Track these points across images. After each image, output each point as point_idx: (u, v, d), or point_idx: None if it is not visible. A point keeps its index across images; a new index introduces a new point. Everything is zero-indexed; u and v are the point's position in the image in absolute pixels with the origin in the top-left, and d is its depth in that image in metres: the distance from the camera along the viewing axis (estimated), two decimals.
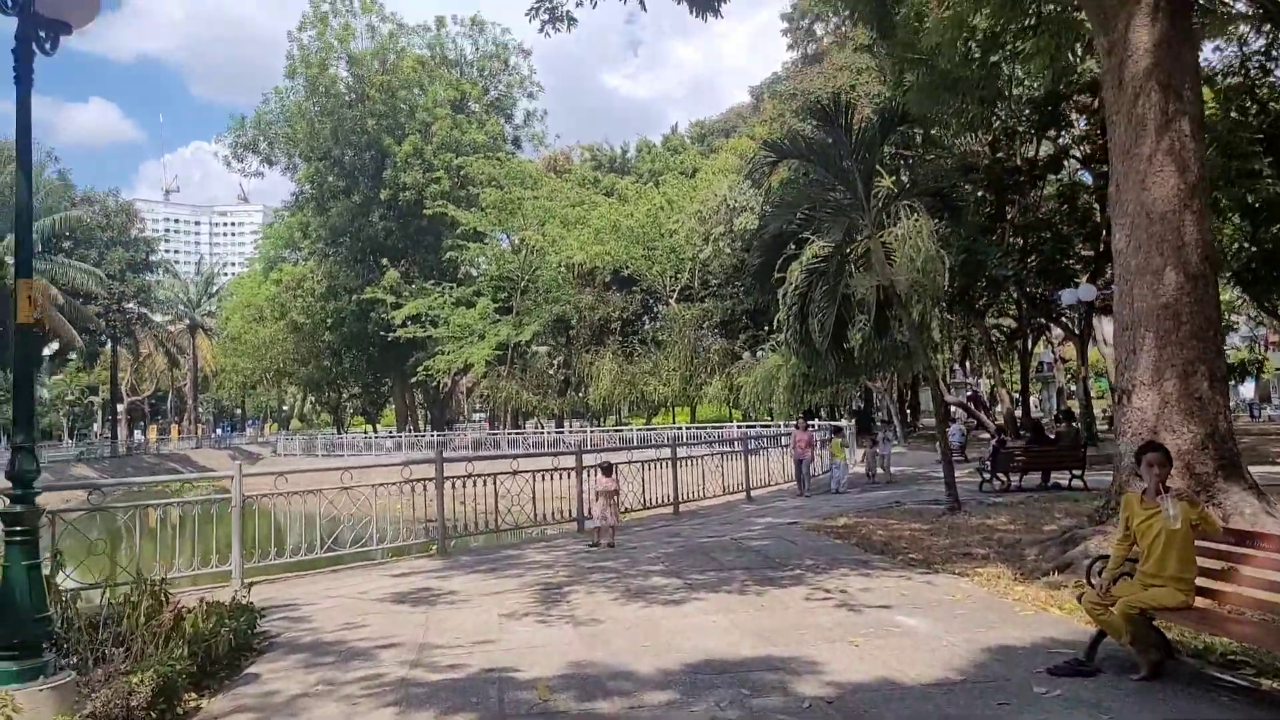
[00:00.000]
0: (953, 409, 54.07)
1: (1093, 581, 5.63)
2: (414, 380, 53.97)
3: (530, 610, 8.07)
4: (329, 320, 55.44)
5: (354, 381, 66.65)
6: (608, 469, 13.14)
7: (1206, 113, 21.99)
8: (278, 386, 79.39)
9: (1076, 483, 17.40)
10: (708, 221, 40.22)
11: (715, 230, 39.87)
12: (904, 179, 26.44)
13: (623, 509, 15.64)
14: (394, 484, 12.44)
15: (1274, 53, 23.06)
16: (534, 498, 13.98)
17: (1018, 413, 41.39)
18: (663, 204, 45.22)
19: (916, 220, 15.31)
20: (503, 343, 47.64)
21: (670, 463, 16.89)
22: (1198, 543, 5.30)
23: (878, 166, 15.51)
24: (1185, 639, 5.82)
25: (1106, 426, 43.07)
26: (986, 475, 17.71)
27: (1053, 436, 18.40)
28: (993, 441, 17.83)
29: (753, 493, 19.18)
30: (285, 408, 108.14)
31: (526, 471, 14.05)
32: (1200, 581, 5.34)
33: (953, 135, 34.24)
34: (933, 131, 24.40)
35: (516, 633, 7.19)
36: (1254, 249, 27.56)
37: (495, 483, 13.58)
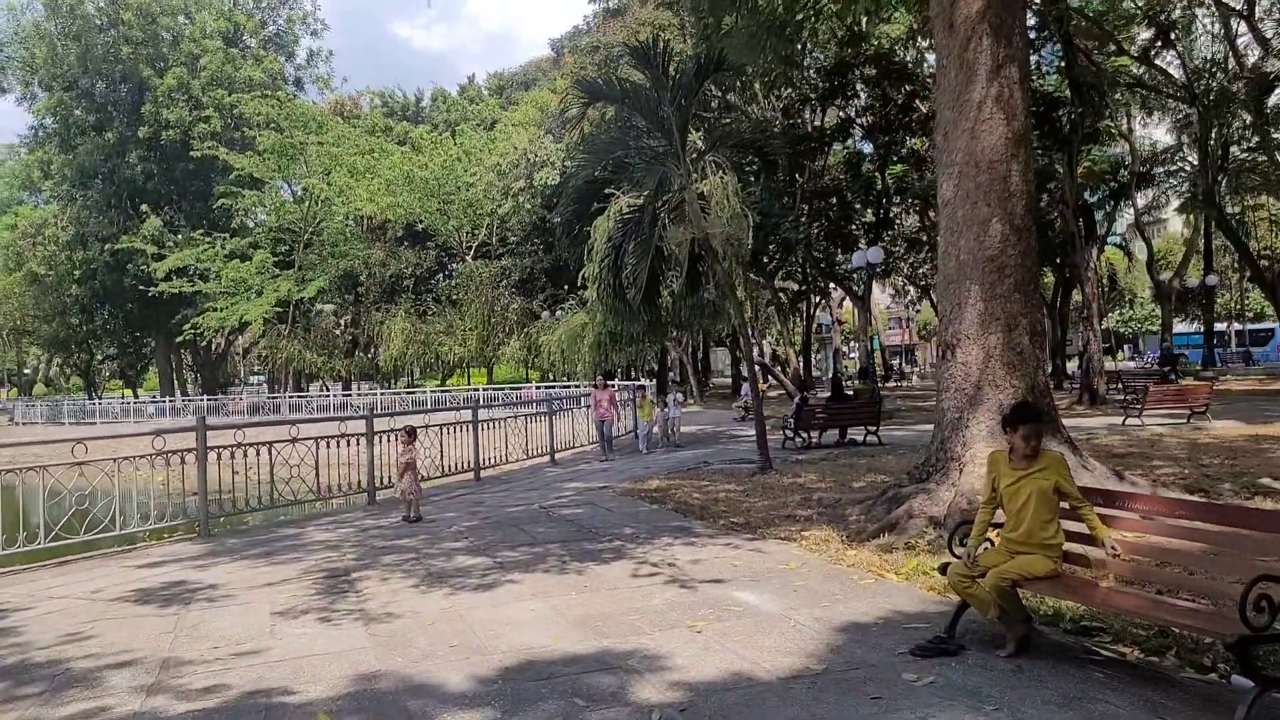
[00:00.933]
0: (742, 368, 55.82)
1: (956, 552, 5.15)
2: (180, 340, 48.97)
3: (311, 605, 6.81)
4: (76, 272, 49.15)
5: (108, 341, 59.91)
6: (411, 433, 11.88)
7: None
8: (16, 347, 70.27)
9: (872, 439, 17.87)
10: (507, 175, 38.67)
11: (515, 185, 38.43)
12: (699, 143, 26.29)
13: (421, 476, 14.42)
14: (144, 456, 10.56)
15: (1045, 32, 24.59)
16: (317, 467, 12.45)
17: (806, 372, 43.11)
18: (459, 155, 43.01)
19: (723, 176, 14.92)
20: (283, 299, 44.05)
21: (471, 426, 15.74)
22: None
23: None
24: (1032, 604, 5.51)
25: (879, 384, 45.76)
26: (790, 433, 17.78)
27: (850, 394, 18.77)
28: (796, 400, 17.89)
29: (557, 455, 18.39)
30: (27, 371, 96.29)
31: (309, 439, 12.47)
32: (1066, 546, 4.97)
33: (746, 101, 34.62)
34: (729, 97, 24.13)
35: (292, 637, 5.93)
36: None
37: (271, 451, 11.95)
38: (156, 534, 10.75)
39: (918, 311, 77.34)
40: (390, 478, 13.49)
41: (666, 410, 20.94)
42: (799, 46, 15.16)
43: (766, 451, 13.47)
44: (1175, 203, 50.05)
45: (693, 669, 4.84)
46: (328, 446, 12.59)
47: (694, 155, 13.76)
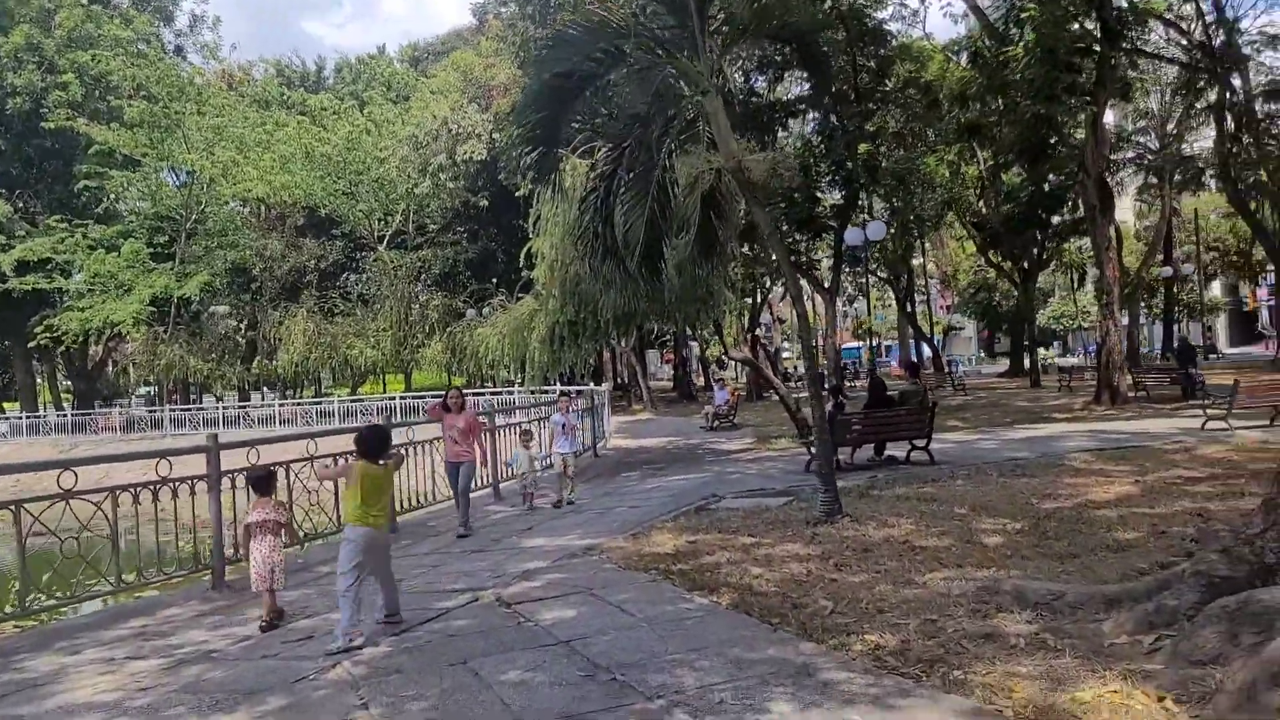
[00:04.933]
0: (712, 370, 51.47)
1: None
2: (33, 346, 42.03)
3: None
4: None
5: None
6: (264, 482, 7.08)
7: None
8: None
9: (919, 455, 13.64)
10: (425, 149, 33.47)
11: (434, 160, 33.25)
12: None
13: (305, 531, 9.52)
14: None
15: None
16: (114, 538, 7.51)
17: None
18: (368, 127, 37.56)
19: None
20: (161, 296, 37.85)
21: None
22: None
23: None
24: None
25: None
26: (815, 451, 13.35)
27: (895, 397, 14.50)
28: (828, 406, 13.53)
29: (502, 485, 13.63)
30: None
31: (124, 486, 7.54)
32: None
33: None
34: None
35: None
36: None
37: (19, 516, 6.95)
38: None
39: (858, 311, 74.00)
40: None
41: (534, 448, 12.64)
42: None
43: (834, 488, 9.00)
44: (1132, 188, 47.58)
45: None
46: (136, 500, 7.62)
47: (725, 42, 9.16)
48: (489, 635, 5.83)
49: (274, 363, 43.97)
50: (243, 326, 48.33)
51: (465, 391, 12.21)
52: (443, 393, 11.94)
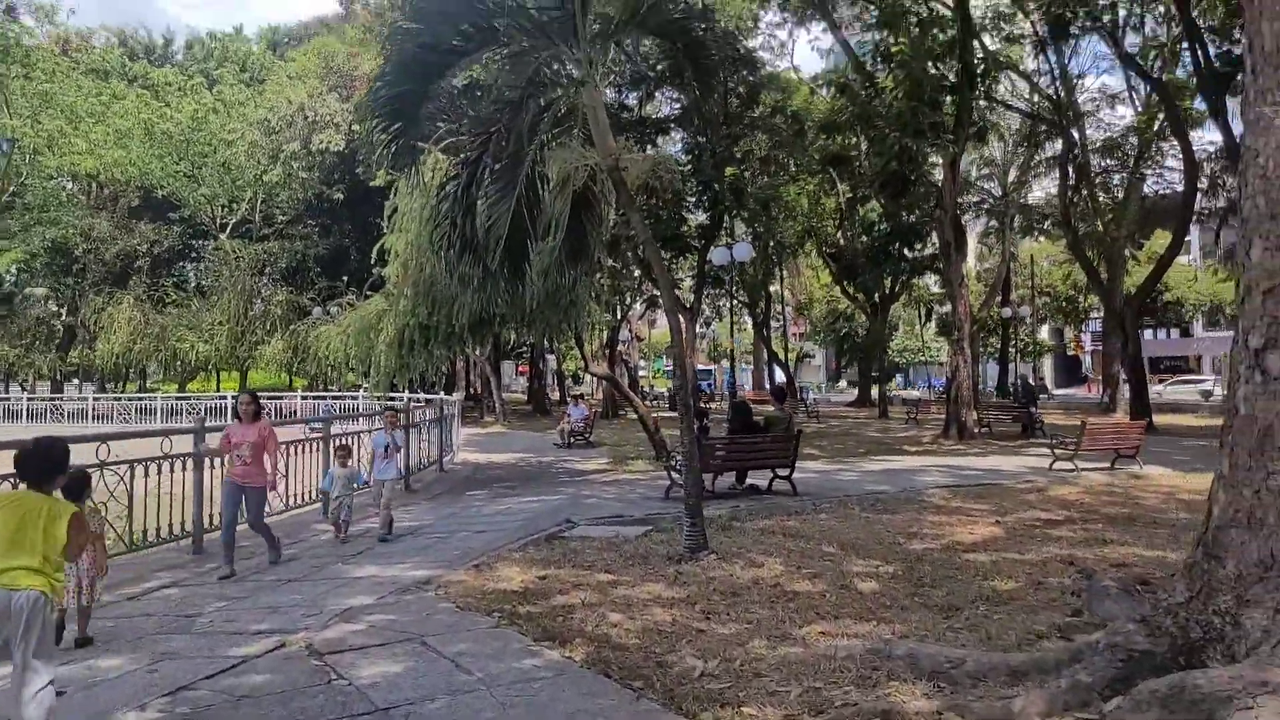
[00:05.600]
0: (570, 388, 50.27)
1: None
2: None
3: None
4: None
5: None
6: (75, 487, 5.63)
7: None
8: None
9: (782, 484, 13.22)
10: (278, 134, 31.25)
11: (288, 147, 31.08)
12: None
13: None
14: None
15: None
16: None
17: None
18: (216, 106, 34.83)
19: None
20: None
21: (191, 460, 9.53)
22: None
23: None
24: None
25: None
26: (678, 476, 12.72)
27: (760, 423, 14.01)
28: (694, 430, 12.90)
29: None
30: None
31: None
32: None
33: None
34: None
35: None
36: None
37: None
38: None
39: (715, 333, 74.74)
40: None
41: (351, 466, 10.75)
42: None
43: (701, 520, 8.29)
44: (974, 232, 50.04)
45: None
46: None
47: (605, 31, 8.36)
48: (289, 699, 4.77)
49: (94, 352, 40.23)
50: (62, 311, 44.14)
51: (305, 395, 10.90)
52: (281, 393, 10.47)
